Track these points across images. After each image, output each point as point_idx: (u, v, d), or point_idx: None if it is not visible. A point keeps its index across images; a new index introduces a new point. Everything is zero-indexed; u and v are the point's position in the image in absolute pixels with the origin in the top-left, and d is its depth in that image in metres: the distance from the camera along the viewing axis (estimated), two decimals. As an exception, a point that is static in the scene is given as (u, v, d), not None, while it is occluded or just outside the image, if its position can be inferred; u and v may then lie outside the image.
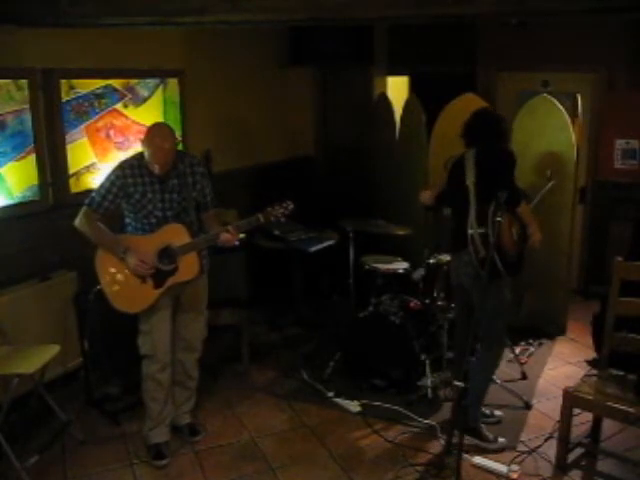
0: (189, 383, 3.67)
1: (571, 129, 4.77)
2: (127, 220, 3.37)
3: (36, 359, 3.37)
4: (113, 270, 3.30)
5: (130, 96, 4.42)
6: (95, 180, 4.10)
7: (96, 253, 3.32)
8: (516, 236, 3.48)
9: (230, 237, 3.29)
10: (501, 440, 3.57)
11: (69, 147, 4.05)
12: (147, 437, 3.55)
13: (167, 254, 3.27)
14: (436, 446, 3.57)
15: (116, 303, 3.31)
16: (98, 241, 3.30)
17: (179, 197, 3.33)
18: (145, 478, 3.37)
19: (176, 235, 3.28)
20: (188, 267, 3.31)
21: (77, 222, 3.30)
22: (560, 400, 3.30)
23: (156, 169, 3.21)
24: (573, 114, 4.92)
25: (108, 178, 3.29)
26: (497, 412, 3.84)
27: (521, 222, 3.51)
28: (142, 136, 3.28)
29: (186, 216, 3.34)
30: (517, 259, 3.53)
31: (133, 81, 4.42)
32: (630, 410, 2.94)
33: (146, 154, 3.22)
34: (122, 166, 3.29)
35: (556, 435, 3.38)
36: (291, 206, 3.40)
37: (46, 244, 3.96)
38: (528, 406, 3.98)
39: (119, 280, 3.30)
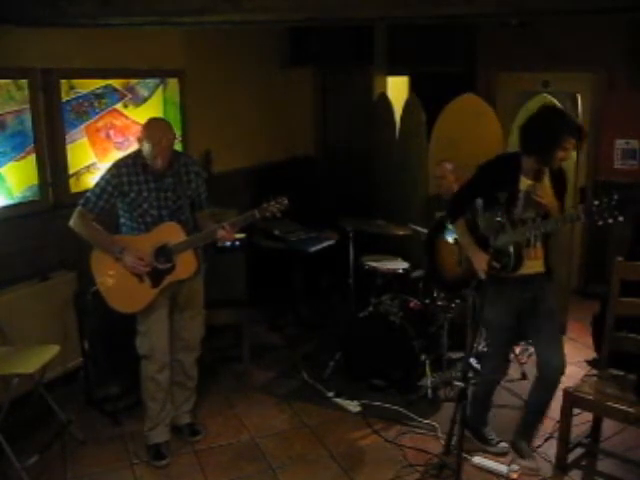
0: (189, 383, 3.68)
1: (571, 129, 4.77)
2: (122, 220, 3.37)
3: (36, 359, 3.37)
4: (110, 271, 3.30)
5: (130, 96, 4.42)
6: (95, 180, 4.09)
7: (91, 254, 3.32)
8: (460, 258, 3.39)
9: (226, 234, 3.29)
10: (503, 444, 3.55)
11: (69, 147, 4.05)
12: (147, 437, 3.55)
13: (163, 253, 3.28)
14: (436, 446, 3.57)
15: (114, 304, 3.31)
16: (94, 241, 3.30)
17: (174, 196, 3.33)
18: (145, 478, 3.37)
19: (172, 234, 3.29)
20: (185, 265, 3.31)
21: (72, 222, 3.29)
22: (560, 400, 3.30)
23: (158, 164, 3.21)
24: (573, 114, 4.92)
25: (103, 177, 3.28)
26: (503, 444, 3.56)
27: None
28: (138, 134, 3.29)
29: (181, 215, 3.35)
30: (456, 284, 3.45)
31: (133, 81, 4.42)
32: (630, 410, 2.94)
33: (146, 150, 3.21)
34: (117, 165, 3.30)
35: (556, 435, 3.38)
36: (286, 201, 3.38)
37: (46, 244, 3.96)
38: (528, 406, 3.98)
39: (116, 280, 3.30)
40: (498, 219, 3.15)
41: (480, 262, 3.12)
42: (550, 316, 3.28)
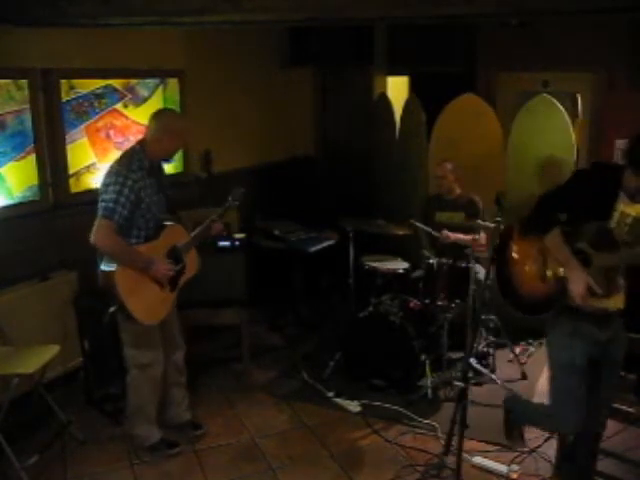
0: (182, 379, 3.68)
1: (571, 129, 4.78)
2: (121, 229, 3.13)
3: (36, 359, 3.37)
4: (137, 285, 3.14)
5: (130, 96, 4.42)
6: (95, 180, 4.09)
7: (116, 274, 3.07)
8: (545, 271, 2.81)
9: (220, 226, 3.46)
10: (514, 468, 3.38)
11: (69, 147, 4.05)
12: (148, 438, 3.54)
13: (173, 255, 3.29)
14: (436, 446, 3.57)
15: (145, 319, 3.17)
16: (123, 256, 3.09)
17: (163, 196, 3.35)
18: (145, 478, 3.37)
19: (179, 235, 3.32)
20: (193, 262, 3.37)
21: (97, 238, 3.04)
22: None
23: (172, 153, 3.28)
24: (573, 114, 4.92)
25: (124, 185, 3.07)
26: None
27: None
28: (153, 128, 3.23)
29: (168, 214, 3.37)
30: (535, 303, 2.87)
31: (133, 81, 4.42)
32: (630, 410, 2.94)
33: (170, 145, 3.22)
34: (133, 169, 3.13)
35: (556, 435, 3.38)
36: (242, 190, 3.65)
37: (46, 244, 3.96)
38: (528, 406, 3.97)
39: (144, 294, 3.16)
40: (498, 219, 3.08)
41: (579, 283, 2.62)
42: (613, 370, 2.87)
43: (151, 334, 3.35)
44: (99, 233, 3.03)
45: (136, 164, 3.17)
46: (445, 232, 4.33)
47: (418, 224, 4.40)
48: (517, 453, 3.50)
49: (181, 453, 3.53)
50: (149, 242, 3.22)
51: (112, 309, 3.21)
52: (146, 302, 3.18)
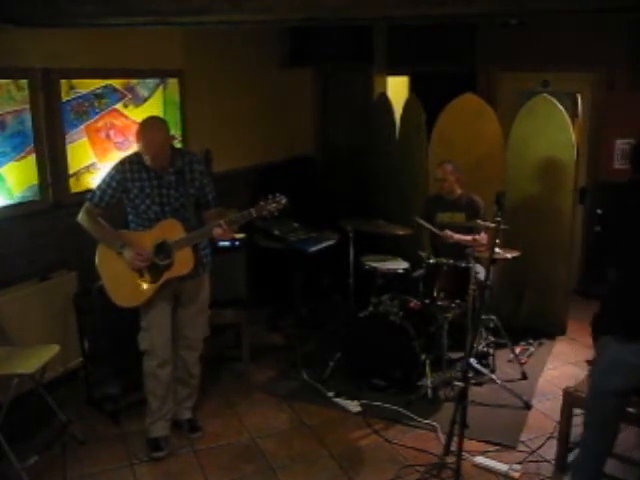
0: (191, 381, 3.70)
1: (571, 129, 4.78)
2: (130, 217, 3.43)
3: (36, 359, 3.37)
4: (113, 265, 3.34)
5: (130, 96, 4.42)
6: (95, 180, 4.09)
7: (97, 249, 3.37)
8: None
9: (222, 232, 3.27)
10: None
11: (69, 147, 4.05)
12: (148, 431, 3.58)
13: (163, 249, 3.31)
14: (436, 446, 3.57)
15: (115, 298, 3.36)
16: (98, 236, 3.35)
17: (177, 193, 3.36)
18: (145, 478, 3.37)
19: (172, 230, 3.32)
20: (183, 262, 3.33)
21: (80, 217, 3.36)
22: (560, 400, 3.31)
23: (148, 161, 3.26)
24: (573, 114, 4.93)
25: (108, 173, 3.38)
26: None
27: None
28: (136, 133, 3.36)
29: (185, 212, 3.37)
30: None
31: (133, 81, 4.42)
32: (630, 410, 2.94)
33: (139, 147, 3.29)
34: (122, 162, 3.38)
35: (556, 435, 3.38)
36: (284, 200, 3.31)
37: (46, 244, 3.96)
38: (528, 406, 3.98)
39: (118, 275, 3.34)
40: (498, 219, 3.08)
41: None
42: None
43: (152, 321, 3.41)
44: (80, 212, 3.37)
45: (135, 158, 3.37)
46: (448, 232, 4.33)
47: (422, 222, 4.40)
48: (517, 453, 3.50)
49: (168, 462, 3.49)
50: (141, 231, 3.37)
51: (98, 284, 3.48)
52: (120, 283, 3.35)
